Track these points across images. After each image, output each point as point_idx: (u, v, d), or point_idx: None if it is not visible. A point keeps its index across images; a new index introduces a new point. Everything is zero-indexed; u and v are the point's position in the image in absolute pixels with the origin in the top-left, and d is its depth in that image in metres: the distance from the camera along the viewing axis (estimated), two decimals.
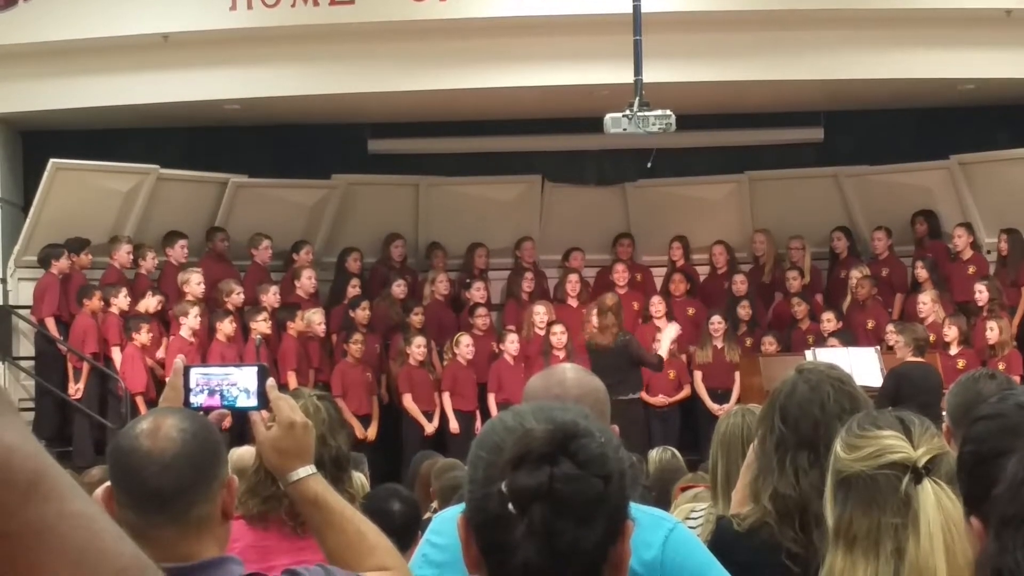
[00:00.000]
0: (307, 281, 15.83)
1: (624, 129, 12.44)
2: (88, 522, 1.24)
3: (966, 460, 2.40)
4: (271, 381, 3.33)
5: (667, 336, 14.39)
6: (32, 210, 15.36)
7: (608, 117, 12.51)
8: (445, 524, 3.52)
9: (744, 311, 16.03)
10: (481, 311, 15.85)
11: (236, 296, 15.07)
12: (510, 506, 1.99)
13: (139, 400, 13.98)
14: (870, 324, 15.56)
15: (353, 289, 15.97)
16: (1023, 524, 1.92)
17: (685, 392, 15.49)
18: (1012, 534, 1.92)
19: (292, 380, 14.21)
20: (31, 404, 14.97)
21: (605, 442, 2.04)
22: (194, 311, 14.45)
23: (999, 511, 2.00)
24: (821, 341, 14.73)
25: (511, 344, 15.17)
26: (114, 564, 1.24)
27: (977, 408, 2.64)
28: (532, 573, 1.99)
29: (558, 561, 1.97)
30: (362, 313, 15.32)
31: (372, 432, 14.89)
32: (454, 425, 14.83)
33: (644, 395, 14.93)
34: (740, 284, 16.35)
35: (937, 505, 2.76)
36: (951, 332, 14.40)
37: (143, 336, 14.33)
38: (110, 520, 1.28)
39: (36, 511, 1.21)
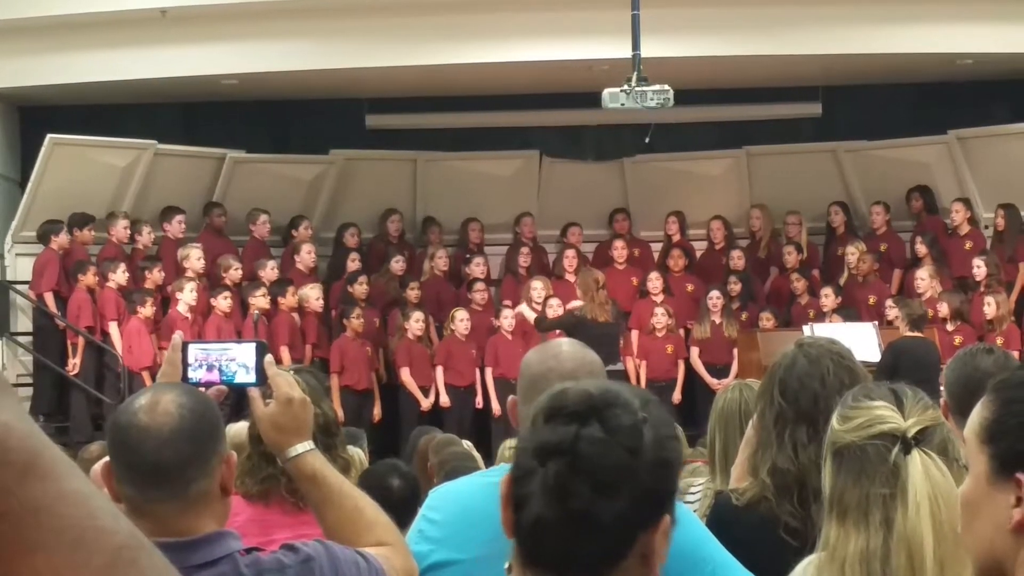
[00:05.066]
0: (307, 256, 15.84)
1: (622, 104, 12.43)
2: (85, 500, 1.24)
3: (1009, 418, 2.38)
4: (269, 357, 3.33)
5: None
6: (29, 185, 15.35)
7: (606, 92, 12.50)
8: (441, 500, 3.52)
9: (734, 287, 15.99)
10: (480, 286, 15.85)
11: (234, 271, 15.07)
12: (532, 459, 2.00)
13: (144, 375, 13.93)
14: (872, 300, 15.53)
15: (352, 264, 15.96)
16: None
17: (681, 369, 15.51)
18: None
19: (285, 355, 14.22)
20: (29, 380, 14.98)
21: (646, 420, 2.01)
22: (190, 287, 14.45)
23: None
24: (821, 317, 14.75)
25: (508, 319, 15.17)
26: (111, 542, 1.24)
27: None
28: (546, 532, 1.98)
29: (572, 524, 1.96)
30: (360, 288, 15.31)
31: (377, 412, 14.94)
32: (444, 399, 14.86)
33: (640, 370, 15.07)
34: (737, 260, 16.33)
35: (925, 475, 2.77)
36: (942, 308, 14.38)
37: (147, 310, 14.31)
38: (106, 499, 1.28)
39: (33, 490, 1.21)
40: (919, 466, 2.78)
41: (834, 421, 2.93)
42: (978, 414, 2.13)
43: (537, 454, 1.99)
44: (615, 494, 1.96)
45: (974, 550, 2.11)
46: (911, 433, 2.81)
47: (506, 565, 2.07)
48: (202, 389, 3.25)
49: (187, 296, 14.42)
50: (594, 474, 1.96)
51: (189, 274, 14.82)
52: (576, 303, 14.96)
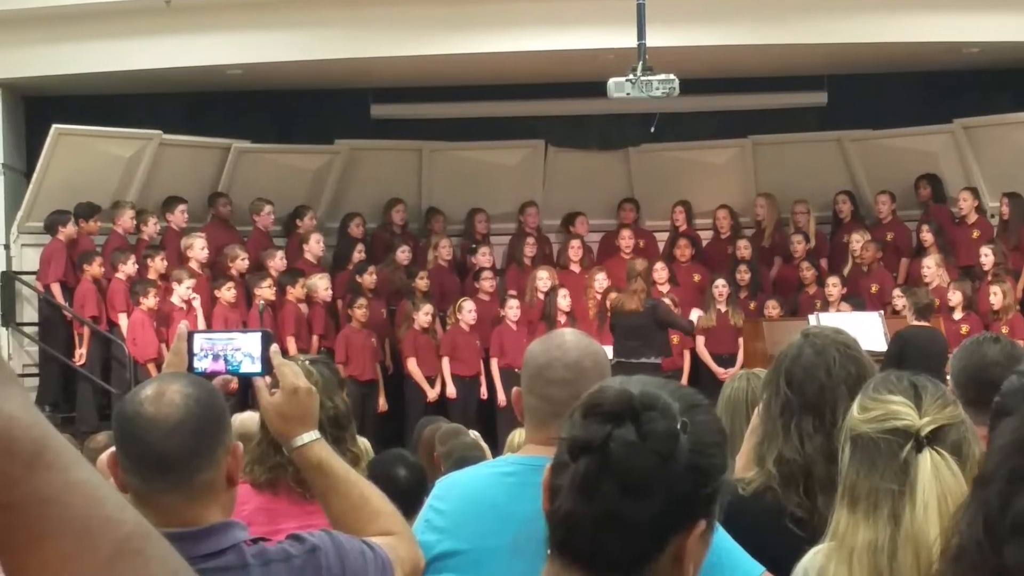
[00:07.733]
0: (316, 246, 15.85)
1: (628, 93, 12.40)
2: (92, 490, 1.24)
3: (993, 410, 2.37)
4: (275, 347, 3.33)
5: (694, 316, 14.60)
6: (35, 176, 15.34)
7: (612, 81, 12.48)
8: (448, 489, 3.52)
9: (742, 275, 15.98)
10: (487, 275, 15.83)
11: (241, 262, 15.06)
12: (566, 453, 2.00)
13: (151, 367, 13.89)
14: (874, 288, 15.55)
15: (359, 254, 15.96)
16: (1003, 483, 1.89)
17: (687, 358, 15.51)
18: (992, 492, 1.90)
19: (292, 346, 14.21)
20: (35, 370, 14.98)
21: (685, 425, 1.99)
22: (187, 283, 14.42)
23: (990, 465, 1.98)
24: (827, 305, 14.74)
25: (513, 309, 15.15)
26: (118, 532, 1.24)
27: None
28: (575, 526, 1.98)
29: (600, 522, 1.96)
30: (368, 278, 15.29)
31: (382, 402, 14.95)
32: (451, 390, 14.85)
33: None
34: (743, 249, 16.31)
35: (935, 475, 2.76)
36: (955, 297, 14.37)
37: (151, 301, 14.29)
38: (113, 488, 1.28)
39: (40, 481, 1.21)
40: (929, 466, 2.77)
41: (854, 408, 2.93)
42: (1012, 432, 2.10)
43: (570, 449, 1.99)
44: (645, 497, 1.95)
45: None
46: (924, 432, 2.80)
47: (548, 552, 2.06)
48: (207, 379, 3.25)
49: (182, 290, 14.40)
50: (623, 476, 1.95)
51: (192, 264, 14.83)
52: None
